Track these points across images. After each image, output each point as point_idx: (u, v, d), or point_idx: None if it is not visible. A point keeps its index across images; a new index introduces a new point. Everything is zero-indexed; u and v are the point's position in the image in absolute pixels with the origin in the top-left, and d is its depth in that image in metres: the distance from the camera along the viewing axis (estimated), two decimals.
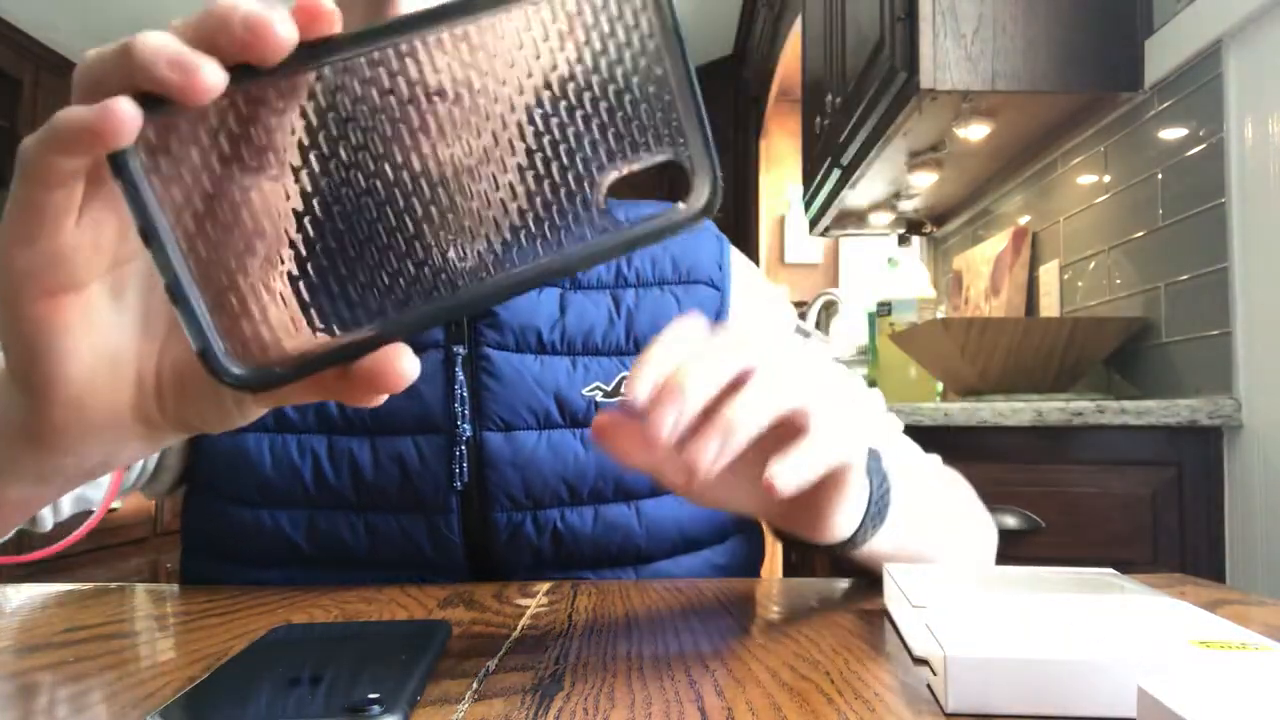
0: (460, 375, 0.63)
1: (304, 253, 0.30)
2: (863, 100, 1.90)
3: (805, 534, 0.48)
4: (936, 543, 0.59)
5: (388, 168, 0.30)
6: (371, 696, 0.31)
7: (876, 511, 0.49)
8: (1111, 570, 0.49)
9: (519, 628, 0.45)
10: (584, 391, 0.65)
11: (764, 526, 0.77)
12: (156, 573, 3.36)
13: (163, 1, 3.85)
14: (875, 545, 0.51)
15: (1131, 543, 1.31)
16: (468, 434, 0.63)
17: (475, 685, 0.35)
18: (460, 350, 0.64)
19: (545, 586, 0.57)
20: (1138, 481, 1.32)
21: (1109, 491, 1.32)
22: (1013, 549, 1.29)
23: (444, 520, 0.63)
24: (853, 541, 0.49)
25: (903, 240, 2.71)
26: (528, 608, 0.50)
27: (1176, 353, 1.48)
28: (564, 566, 0.65)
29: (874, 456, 0.51)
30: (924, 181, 2.23)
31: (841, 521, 0.46)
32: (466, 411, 0.63)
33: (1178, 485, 1.32)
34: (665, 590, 0.56)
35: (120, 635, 0.47)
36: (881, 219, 2.69)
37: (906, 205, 2.54)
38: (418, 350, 0.64)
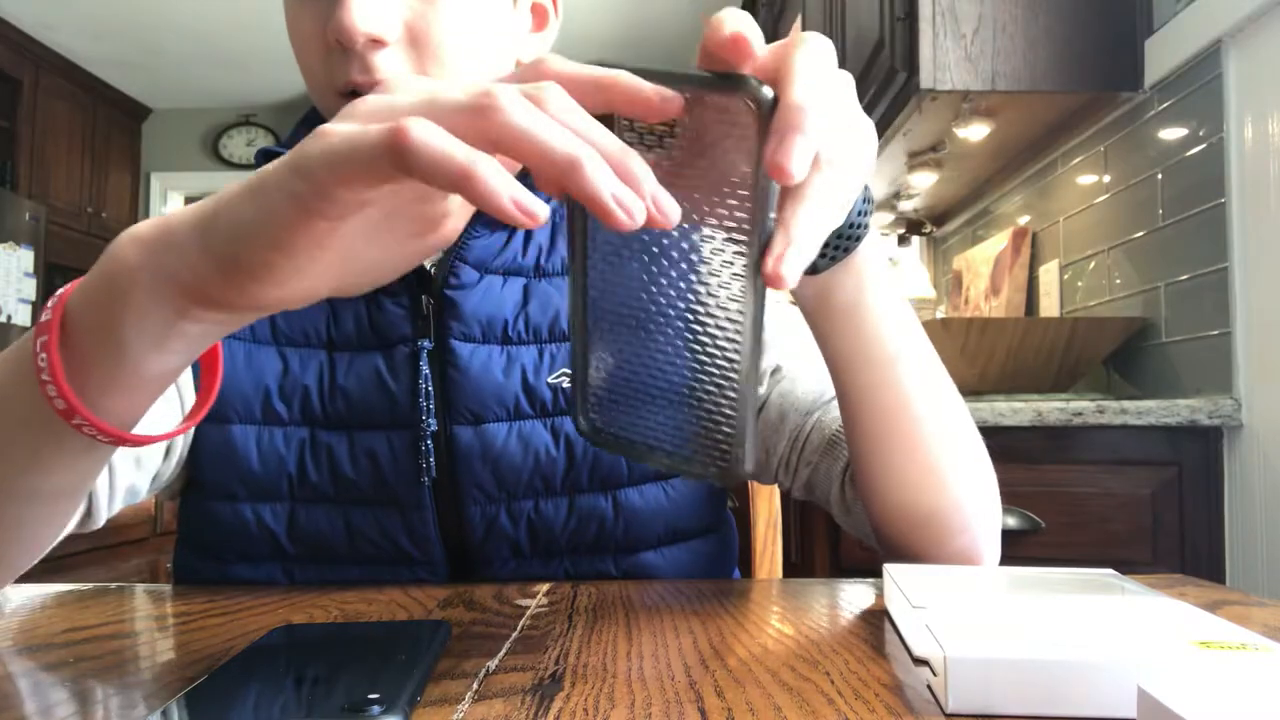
0: (426, 369, 0.63)
1: None
2: (862, 100, 1.90)
3: None
4: (928, 368, 0.55)
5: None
6: (371, 696, 0.31)
7: (849, 225, 0.47)
8: (1111, 570, 0.49)
9: (519, 628, 0.45)
10: (550, 380, 0.65)
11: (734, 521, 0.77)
12: (156, 573, 3.36)
13: (163, 2, 3.86)
14: (855, 295, 0.50)
15: (1131, 543, 1.31)
16: (433, 428, 0.63)
17: (475, 685, 0.35)
18: (426, 344, 0.64)
19: (545, 587, 0.57)
20: (1138, 481, 1.32)
21: (1109, 491, 1.32)
22: (1013, 549, 1.29)
23: (418, 515, 0.63)
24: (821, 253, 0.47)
25: (902, 240, 2.72)
26: (528, 608, 0.50)
27: (1176, 353, 1.48)
28: (543, 557, 0.65)
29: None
30: (924, 181, 2.23)
31: None
32: (431, 405, 0.63)
33: (1178, 485, 1.32)
34: (665, 590, 0.56)
35: (120, 635, 0.47)
36: (881, 219, 2.69)
37: (906, 205, 2.54)
38: (387, 346, 0.64)
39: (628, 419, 0.39)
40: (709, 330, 0.36)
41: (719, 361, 0.36)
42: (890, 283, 0.52)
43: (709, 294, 0.36)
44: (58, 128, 4.39)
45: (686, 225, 0.36)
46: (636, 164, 0.31)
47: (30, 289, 4.03)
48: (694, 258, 0.36)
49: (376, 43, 0.58)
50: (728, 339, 0.36)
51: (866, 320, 0.51)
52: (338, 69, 0.60)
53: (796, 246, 0.34)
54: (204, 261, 0.33)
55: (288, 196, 0.31)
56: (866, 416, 0.55)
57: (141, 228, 0.35)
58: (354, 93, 0.60)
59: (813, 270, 0.49)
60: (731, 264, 0.35)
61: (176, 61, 4.51)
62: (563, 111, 0.31)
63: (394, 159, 0.28)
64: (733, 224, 0.35)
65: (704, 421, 0.37)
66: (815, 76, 0.34)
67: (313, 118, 0.69)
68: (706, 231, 0.36)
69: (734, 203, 0.35)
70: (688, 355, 0.37)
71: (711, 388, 0.36)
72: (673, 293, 0.37)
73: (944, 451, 0.56)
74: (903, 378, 0.53)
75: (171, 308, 0.35)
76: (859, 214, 0.48)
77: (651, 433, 0.38)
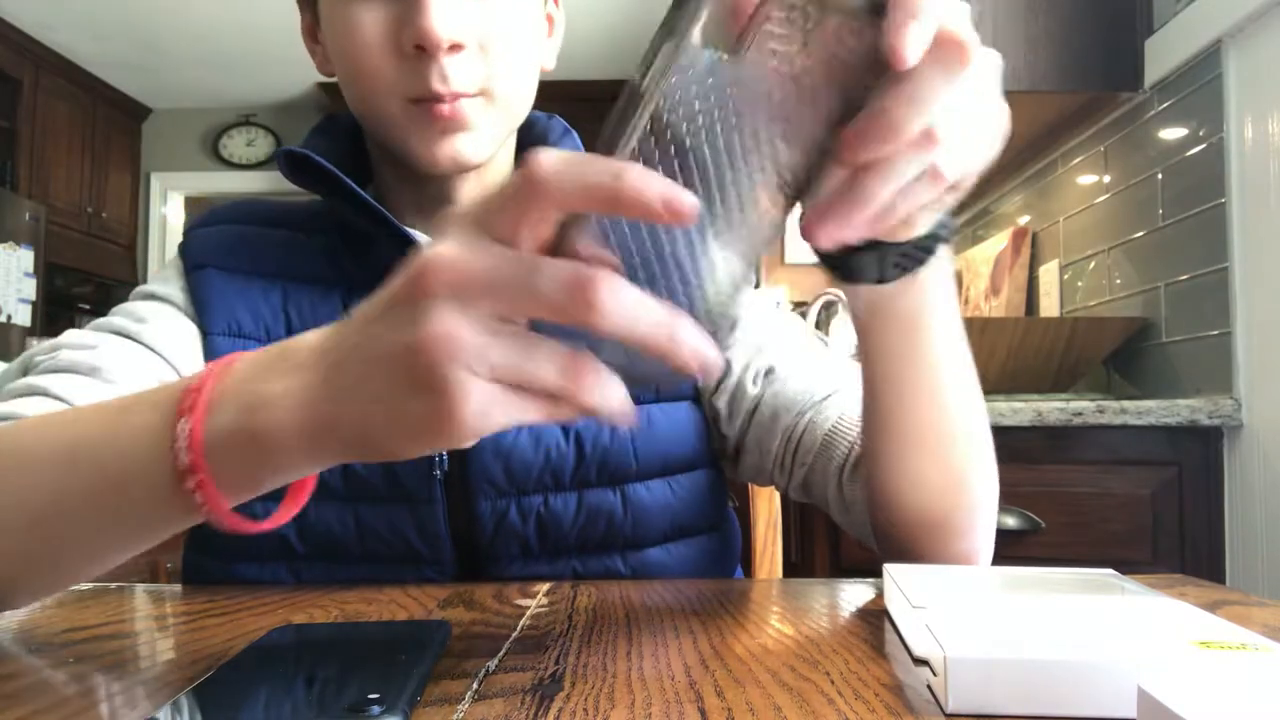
0: None
1: None
2: None
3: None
4: (966, 391, 0.54)
5: None
6: (371, 696, 0.31)
7: (934, 234, 0.44)
8: (1111, 570, 0.49)
9: (519, 628, 0.45)
10: None
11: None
12: (156, 573, 3.36)
13: (163, 3, 3.86)
14: (916, 309, 0.48)
15: (1131, 543, 1.31)
16: None
17: (475, 685, 0.35)
18: None
19: (545, 586, 0.57)
20: (1138, 481, 1.32)
21: (1109, 491, 1.32)
22: (1013, 549, 1.29)
23: (429, 510, 0.63)
24: (896, 258, 0.45)
25: None
26: (528, 608, 0.50)
27: (1176, 353, 1.48)
28: (551, 555, 0.65)
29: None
30: None
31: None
32: None
33: (1178, 485, 1.32)
34: (665, 590, 0.56)
35: (120, 635, 0.47)
36: None
37: None
38: None
39: None
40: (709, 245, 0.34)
41: (705, 279, 0.34)
42: (951, 293, 0.50)
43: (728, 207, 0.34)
44: (58, 128, 4.39)
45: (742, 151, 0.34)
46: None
47: (30, 289, 4.03)
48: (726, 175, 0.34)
49: (456, 48, 0.59)
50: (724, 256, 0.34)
51: (923, 333, 0.49)
52: (412, 76, 0.60)
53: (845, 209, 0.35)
54: (353, 456, 0.36)
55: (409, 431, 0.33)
56: (902, 424, 0.54)
57: (304, 425, 0.35)
58: (420, 99, 0.60)
59: (880, 279, 0.46)
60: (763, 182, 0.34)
61: (176, 61, 4.51)
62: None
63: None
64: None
65: None
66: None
67: (330, 124, 0.70)
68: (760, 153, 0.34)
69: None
70: (670, 264, 0.34)
71: (692, 294, 0.35)
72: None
73: (968, 457, 0.56)
74: (946, 388, 0.52)
75: (325, 460, 0.37)
76: (940, 225, 0.44)
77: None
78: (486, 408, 0.32)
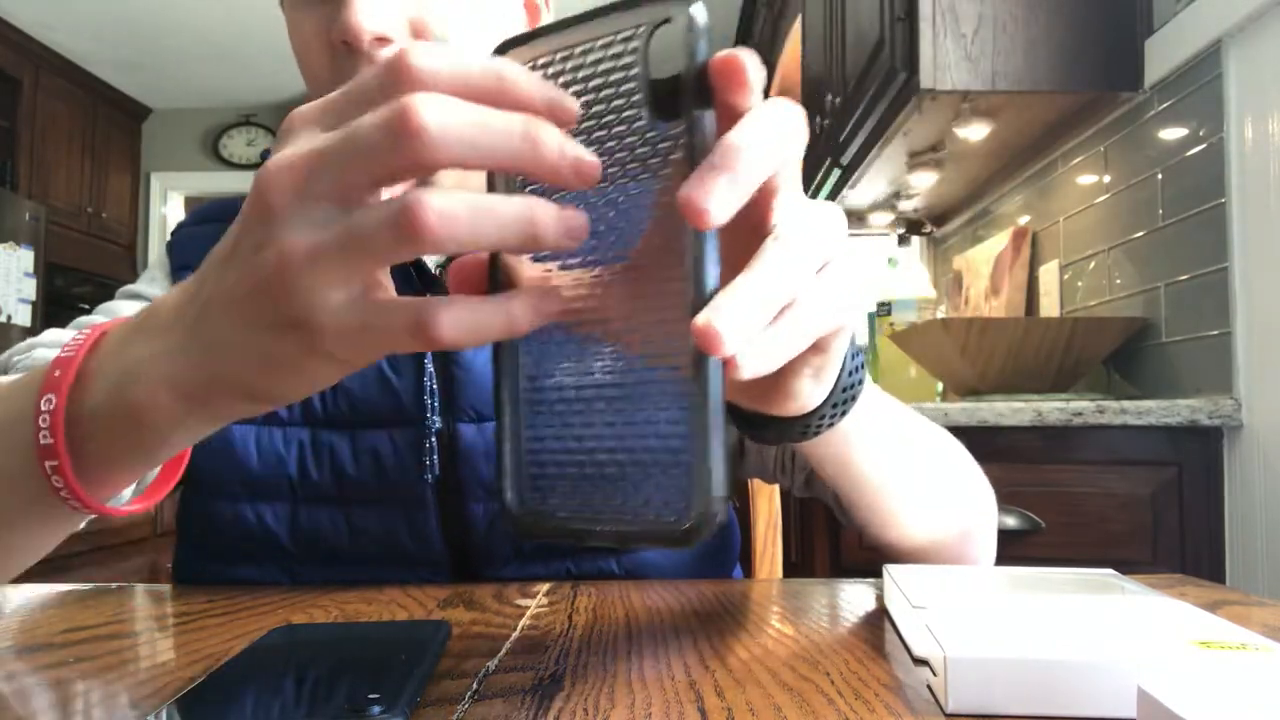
0: (430, 367, 0.64)
1: None
2: (863, 100, 1.90)
3: (763, 402, 0.40)
4: (919, 464, 0.54)
5: None
6: (371, 696, 0.31)
7: (844, 389, 0.42)
8: (1111, 570, 0.49)
9: (519, 628, 0.45)
10: None
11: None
12: (156, 573, 3.37)
13: (163, 2, 3.86)
14: (843, 443, 0.46)
15: (1131, 543, 1.31)
16: (437, 425, 0.63)
17: (475, 685, 0.35)
18: None
19: (545, 587, 0.57)
20: (1138, 481, 1.32)
21: (1109, 491, 1.32)
22: (1013, 549, 1.29)
23: (421, 514, 0.63)
24: (815, 423, 0.42)
25: (903, 240, 2.72)
26: (528, 608, 0.50)
27: (1176, 353, 1.48)
28: (545, 556, 0.65)
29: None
30: (924, 181, 2.23)
31: (807, 389, 0.39)
32: (436, 403, 0.63)
33: (1178, 485, 1.32)
34: (665, 590, 0.56)
35: (120, 635, 0.47)
36: (881, 219, 2.69)
37: (906, 205, 2.54)
38: None
39: (568, 498, 0.33)
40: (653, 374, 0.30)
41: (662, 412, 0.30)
42: (876, 401, 0.47)
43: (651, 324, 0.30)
44: (58, 128, 4.39)
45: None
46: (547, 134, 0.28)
47: (30, 289, 4.03)
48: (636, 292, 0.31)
49: (382, 40, 0.59)
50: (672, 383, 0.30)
51: (857, 451, 0.48)
52: (345, 70, 0.60)
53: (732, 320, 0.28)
54: (243, 412, 0.34)
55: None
56: (865, 505, 0.54)
57: (179, 389, 0.33)
58: None
59: (801, 436, 0.43)
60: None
61: (176, 61, 4.51)
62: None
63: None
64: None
65: (653, 479, 0.31)
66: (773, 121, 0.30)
67: None
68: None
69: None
70: (629, 409, 0.31)
71: (662, 441, 0.30)
72: (610, 351, 0.32)
73: (947, 498, 0.56)
74: (897, 468, 0.52)
75: (211, 421, 0.35)
76: (849, 373, 0.42)
77: (595, 507, 0.32)
78: (354, 330, 0.29)
